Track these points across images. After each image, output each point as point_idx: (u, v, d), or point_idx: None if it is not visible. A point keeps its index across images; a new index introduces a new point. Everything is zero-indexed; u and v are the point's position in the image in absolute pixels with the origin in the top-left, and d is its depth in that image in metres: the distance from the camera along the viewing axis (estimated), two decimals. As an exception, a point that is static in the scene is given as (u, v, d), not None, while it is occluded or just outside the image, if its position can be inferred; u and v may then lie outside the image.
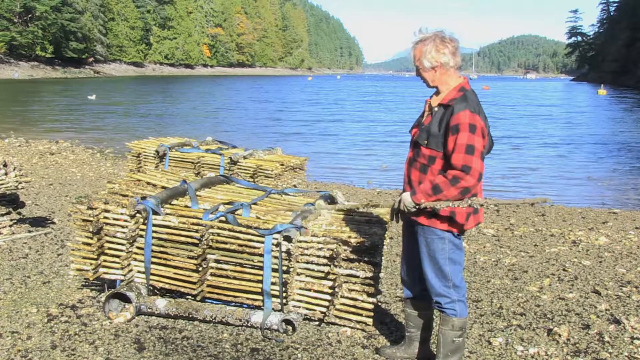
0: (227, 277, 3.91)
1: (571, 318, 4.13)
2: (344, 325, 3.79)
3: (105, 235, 4.02)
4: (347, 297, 3.72)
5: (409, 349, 3.45)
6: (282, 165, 7.17)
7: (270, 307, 3.82)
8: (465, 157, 2.82)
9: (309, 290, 3.79)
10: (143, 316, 3.97)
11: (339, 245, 3.63)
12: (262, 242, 3.75)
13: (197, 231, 3.88)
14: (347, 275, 3.66)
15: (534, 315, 4.19)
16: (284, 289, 3.79)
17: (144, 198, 4.02)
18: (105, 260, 4.07)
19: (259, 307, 3.88)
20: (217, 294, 3.95)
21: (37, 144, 14.42)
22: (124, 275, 4.04)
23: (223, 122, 23.73)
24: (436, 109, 3.02)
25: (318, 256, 3.71)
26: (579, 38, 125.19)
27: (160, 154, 7.64)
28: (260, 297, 3.85)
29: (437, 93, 3.08)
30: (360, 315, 3.72)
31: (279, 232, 3.70)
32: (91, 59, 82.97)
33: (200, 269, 3.91)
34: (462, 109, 2.88)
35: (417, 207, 2.98)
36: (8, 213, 6.27)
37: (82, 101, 33.18)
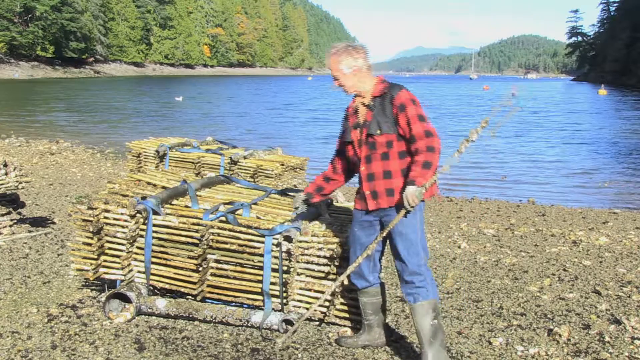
0: (227, 277, 3.91)
1: (571, 318, 4.12)
2: (344, 325, 3.79)
3: (106, 235, 4.02)
4: (347, 297, 3.72)
5: (370, 335, 3.56)
6: (283, 165, 7.17)
7: (270, 307, 3.82)
8: (422, 125, 3.10)
9: (310, 290, 3.79)
10: (143, 316, 3.97)
11: (339, 245, 3.63)
12: (263, 242, 3.75)
13: (197, 231, 3.88)
14: (348, 275, 3.66)
15: (535, 315, 4.18)
16: (284, 289, 3.79)
17: (144, 198, 4.02)
18: (105, 260, 4.06)
19: (259, 307, 3.87)
20: (218, 294, 3.95)
21: (37, 143, 14.42)
22: (124, 275, 4.04)
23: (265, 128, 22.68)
24: (372, 103, 3.23)
25: (318, 256, 3.71)
26: (580, 38, 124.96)
27: (161, 154, 7.64)
28: (260, 297, 3.85)
29: (359, 96, 3.29)
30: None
31: (279, 233, 3.70)
32: (91, 59, 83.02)
33: (200, 269, 3.91)
34: (399, 89, 3.19)
35: (423, 191, 3.05)
36: (8, 213, 6.27)
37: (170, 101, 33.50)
